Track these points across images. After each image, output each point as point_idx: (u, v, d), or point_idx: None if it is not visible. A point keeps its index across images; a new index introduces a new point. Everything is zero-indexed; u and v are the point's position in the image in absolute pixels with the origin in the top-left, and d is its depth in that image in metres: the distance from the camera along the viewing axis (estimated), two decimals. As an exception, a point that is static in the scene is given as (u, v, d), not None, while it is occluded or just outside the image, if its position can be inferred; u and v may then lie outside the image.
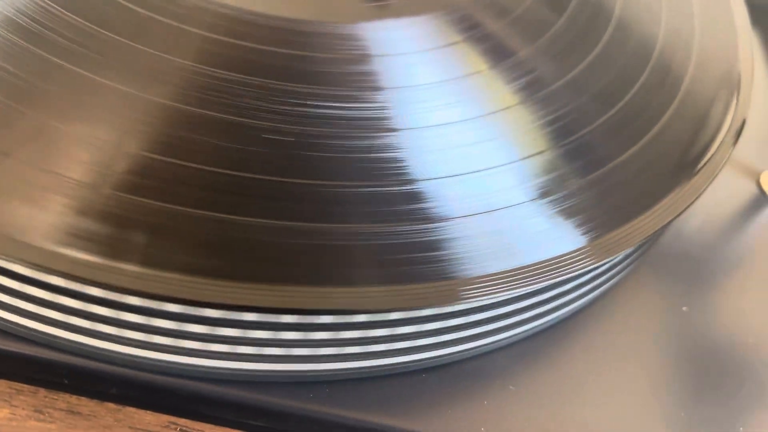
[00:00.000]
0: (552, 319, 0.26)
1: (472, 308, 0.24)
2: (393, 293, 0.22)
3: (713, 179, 0.28)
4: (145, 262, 0.20)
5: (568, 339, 0.26)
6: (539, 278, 0.23)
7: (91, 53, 0.23)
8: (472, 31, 0.27)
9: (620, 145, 0.27)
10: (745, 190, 0.32)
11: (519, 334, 0.26)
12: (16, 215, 0.20)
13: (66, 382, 0.23)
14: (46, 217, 0.20)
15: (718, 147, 0.29)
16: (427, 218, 0.23)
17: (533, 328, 0.26)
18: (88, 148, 0.21)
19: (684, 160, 0.28)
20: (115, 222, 0.21)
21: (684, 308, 0.28)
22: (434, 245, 0.22)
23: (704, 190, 0.27)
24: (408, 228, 0.22)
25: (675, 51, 0.31)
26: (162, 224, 0.21)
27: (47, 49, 0.22)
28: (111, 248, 0.20)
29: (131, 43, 0.23)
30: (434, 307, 0.23)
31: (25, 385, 0.22)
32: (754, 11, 0.38)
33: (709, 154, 0.28)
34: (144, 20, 0.23)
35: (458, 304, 0.23)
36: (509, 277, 0.23)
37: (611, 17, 0.30)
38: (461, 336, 0.25)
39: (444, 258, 0.22)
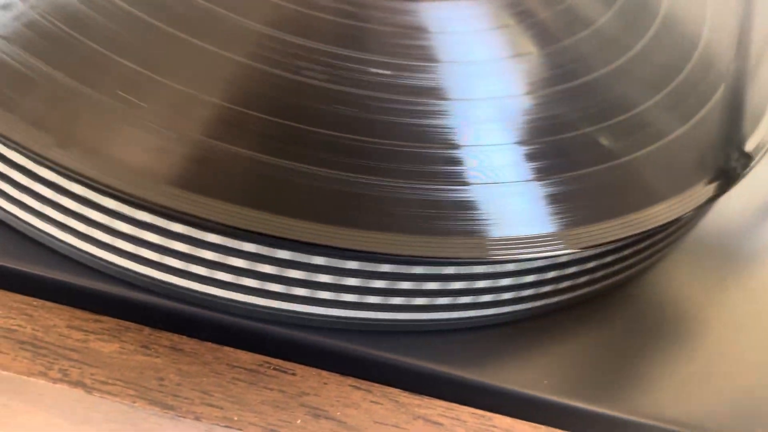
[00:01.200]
0: (608, 285, 0.28)
1: (534, 268, 0.26)
2: (430, 243, 0.23)
3: (750, 170, 0.30)
4: (227, 199, 0.22)
5: (626, 303, 0.28)
6: (563, 246, 0.25)
7: (179, 14, 0.25)
8: (523, 16, 0.29)
9: (660, 130, 0.29)
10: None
11: (577, 297, 0.28)
12: (115, 156, 0.22)
13: (160, 326, 0.25)
14: (143, 158, 0.22)
15: (758, 140, 0.31)
16: (467, 180, 0.25)
17: (590, 292, 0.28)
18: (175, 97, 0.24)
19: (722, 149, 0.30)
20: (201, 164, 0.23)
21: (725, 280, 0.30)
22: (471, 205, 0.24)
23: (739, 180, 0.29)
24: (447, 187, 0.24)
25: (718, 48, 0.33)
26: (249, 168, 0.23)
27: (142, 9, 0.25)
28: (198, 187, 0.22)
29: (213, 6, 0.25)
30: (459, 262, 0.24)
31: (132, 323, 0.24)
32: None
33: (748, 144, 0.31)
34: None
35: (484, 261, 0.24)
36: (534, 242, 0.25)
37: (657, 12, 0.32)
38: (523, 295, 0.26)
39: (477, 217, 0.24)
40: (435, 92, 0.26)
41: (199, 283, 0.24)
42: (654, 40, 0.32)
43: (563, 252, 0.25)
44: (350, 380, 0.24)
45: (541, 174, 0.26)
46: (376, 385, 0.25)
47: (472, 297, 0.25)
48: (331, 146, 0.24)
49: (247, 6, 0.26)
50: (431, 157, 0.25)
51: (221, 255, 0.23)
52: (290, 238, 0.22)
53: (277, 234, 0.22)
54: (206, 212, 0.21)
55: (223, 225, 0.22)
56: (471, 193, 0.25)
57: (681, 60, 0.32)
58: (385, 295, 0.24)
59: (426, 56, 0.27)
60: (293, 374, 0.24)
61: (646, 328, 0.28)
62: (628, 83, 0.30)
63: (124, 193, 0.21)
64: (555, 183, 0.26)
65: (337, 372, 0.24)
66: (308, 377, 0.24)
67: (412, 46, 0.27)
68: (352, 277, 0.24)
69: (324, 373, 0.24)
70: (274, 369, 0.24)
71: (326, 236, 0.22)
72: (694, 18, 0.33)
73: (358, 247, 0.23)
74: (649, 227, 0.26)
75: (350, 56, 0.26)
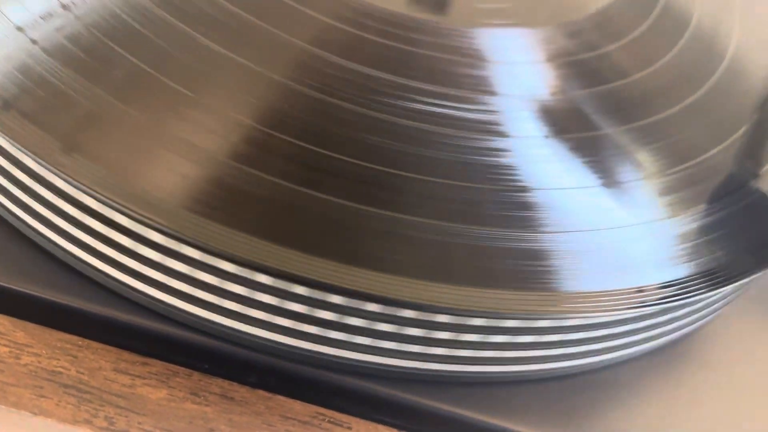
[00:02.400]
0: (675, 337, 0.27)
1: (591, 324, 0.25)
2: (494, 296, 0.22)
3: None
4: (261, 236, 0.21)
5: (690, 354, 0.27)
6: (642, 304, 0.24)
7: (222, 27, 0.24)
8: (585, 48, 0.28)
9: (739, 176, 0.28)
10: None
11: (642, 349, 0.26)
12: (150, 175, 0.21)
13: (206, 367, 0.24)
14: (177, 182, 0.21)
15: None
16: (531, 227, 0.23)
17: (656, 344, 0.27)
18: (210, 116, 0.22)
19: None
20: (230, 191, 0.21)
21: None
22: (538, 254, 0.23)
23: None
24: (508, 233, 0.23)
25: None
26: (288, 203, 0.21)
27: (184, 20, 0.24)
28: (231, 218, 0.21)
29: (258, 21, 0.24)
30: (536, 317, 0.23)
31: (180, 368, 0.23)
32: None
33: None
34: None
35: (558, 318, 0.23)
36: (615, 297, 0.24)
37: (724, 56, 0.31)
38: (586, 350, 0.25)
39: (547, 269, 0.23)
40: (487, 127, 0.25)
41: (257, 327, 0.23)
42: (717, 84, 0.31)
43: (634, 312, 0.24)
44: (408, 436, 0.23)
45: (621, 224, 0.25)
46: (436, 442, 0.23)
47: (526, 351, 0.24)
48: (371, 180, 0.23)
49: (291, 22, 0.25)
50: (492, 199, 0.23)
51: (279, 300, 0.22)
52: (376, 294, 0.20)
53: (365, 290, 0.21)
54: (279, 263, 0.20)
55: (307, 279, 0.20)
56: (537, 241, 0.23)
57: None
58: (449, 347, 0.23)
59: (480, 87, 0.26)
60: (348, 428, 0.23)
61: (708, 384, 0.26)
62: (699, 125, 0.29)
63: (177, 233, 0.20)
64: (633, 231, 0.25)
65: (395, 427, 0.23)
66: (364, 432, 0.23)
67: (465, 75, 0.26)
68: (415, 327, 0.23)
69: (381, 427, 0.23)
70: (329, 422, 0.23)
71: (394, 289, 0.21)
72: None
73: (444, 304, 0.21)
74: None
75: (396, 83, 0.24)
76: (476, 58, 0.26)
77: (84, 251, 0.23)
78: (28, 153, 0.21)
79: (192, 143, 0.22)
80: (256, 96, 0.23)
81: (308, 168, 0.22)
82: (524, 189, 0.24)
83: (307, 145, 0.22)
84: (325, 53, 0.24)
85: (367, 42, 0.25)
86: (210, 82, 0.23)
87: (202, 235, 0.20)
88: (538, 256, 0.23)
